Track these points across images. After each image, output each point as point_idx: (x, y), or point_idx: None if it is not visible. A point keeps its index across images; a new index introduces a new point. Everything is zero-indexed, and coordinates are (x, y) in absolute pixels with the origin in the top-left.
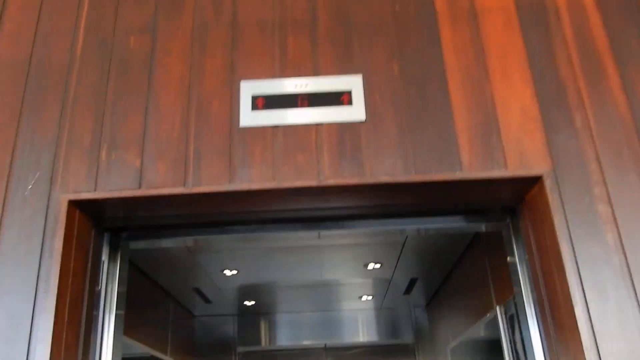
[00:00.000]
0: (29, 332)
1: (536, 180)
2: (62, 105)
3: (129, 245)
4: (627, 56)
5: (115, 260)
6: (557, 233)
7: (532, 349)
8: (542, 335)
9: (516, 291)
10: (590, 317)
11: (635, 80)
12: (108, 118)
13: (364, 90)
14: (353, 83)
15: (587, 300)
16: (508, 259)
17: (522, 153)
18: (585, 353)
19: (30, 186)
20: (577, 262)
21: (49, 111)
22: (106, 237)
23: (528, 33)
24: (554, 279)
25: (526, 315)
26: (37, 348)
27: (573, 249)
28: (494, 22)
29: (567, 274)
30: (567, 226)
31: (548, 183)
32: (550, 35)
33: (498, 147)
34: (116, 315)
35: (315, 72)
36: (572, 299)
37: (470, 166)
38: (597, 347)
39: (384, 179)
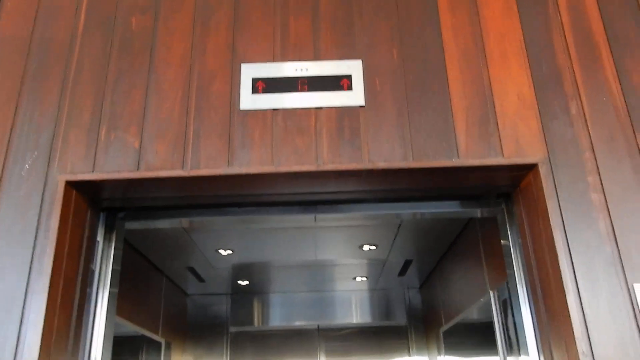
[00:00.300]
0: (20, 314)
1: (531, 168)
2: (62, 84)
3: (124, 225)
4: (622, 45)
5: (110, 240)
6: (551, 220)
7: (524, 334)
8: (535, 321)
9: (509, 276)
10: (582, 304)
11: (630, 69)
12: (108, 97)
13: (364, 75)
14: (353, 68)
15: (579, 288)
16: (502, 244)
17: (517, 140)
18: (577, 341)
19: (27, 165)
20: (569, 250)
21: (49, 90)
22: (102, 217)
23: (526, 19)
24: (546, 265)
25: (519, 301)
26: (28, 330)
27: (566, 236)
28: (493, 7)
29: (560, 261)
30: (561, 214)
31: (543, 170)
32: (548, 21)
33: (494, 134)
34: (110, 293)
35: (315, 56)
36: (565, 286)
37: (467, 153)
38: (588, 334)
39: (382, 164)
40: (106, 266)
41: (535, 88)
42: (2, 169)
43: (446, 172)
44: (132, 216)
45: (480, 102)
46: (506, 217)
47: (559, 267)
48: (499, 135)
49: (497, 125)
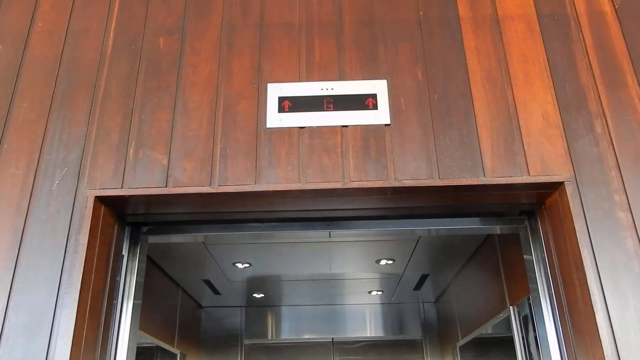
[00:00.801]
0: (50, 327)
1: (557, 186)
2: (91, 102)
3: (148, 239)
4: None
5: (134, 253)
6: (578, 239)
7: (549, 351)
8: (561, 338)
9: (532, 292)
10: (611, 323)
11: None
12: (136, 116)
13: (389, 94)
14: (378, 87)
15: (608, 307)
16: (525, 259)
17: (543, 159)
18: (606, 359)
19: (57, 181)
20: (597, 268)
21: (78, 108)
22: (127, 231)
23: (549, 40)
24: (574, 283)
25: (543, 318)
26: (58, 343)
27: (594, 254)
28: (516, 29)
29: (588, 280)
30: (588, 232)
31: (569, 189)
32: (571, 42)
33: (520, 153)
34: (134, 305)
35: (341, 76)
36: (594, 305)
37: (493, 171)
38: (617, 353)
39: (408, 182)
40: (130, 278)
41: (559, 107)
42: (33, 185)
43: (472, 190)
44: (155, 230)
45: (505, 121)
46: (529, 234)
47: (587, 285)
48: (525, 154)
49: (523, 144)
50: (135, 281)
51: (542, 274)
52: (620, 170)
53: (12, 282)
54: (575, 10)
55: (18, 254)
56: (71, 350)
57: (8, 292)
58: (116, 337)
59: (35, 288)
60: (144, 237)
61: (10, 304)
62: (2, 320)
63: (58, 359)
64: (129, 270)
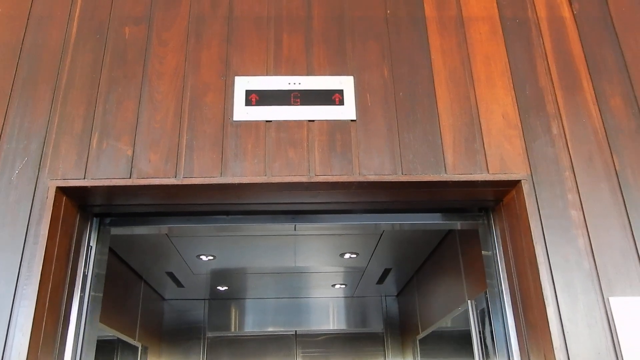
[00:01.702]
0: (8, 319)
1: (514, 184)
2: (53, 91)
3: (110, 230)
4: (601, 70)
5: (95, 245)
6: (533, 235)
7: (504, 344)
8: (511, 331)
9: (489, 287)
10: (560, 316)
11: (608, 94)
12: (101, 106)
13: (355, 90)
14: (345, 83)
15: (558, 301)
16: (483, 255)
17: (502, 157)
18: (555, 351)
19: (17, 171)
20: (550, 264)
21: (40, 97)
22: (94, 222)
23: (511, 43)
24: (528, 278)
25: (498, 312)
26: (16, 335)
27: (547, 251)
28: (480, 31)
29: (541, 275)
30: (542, 229)
31: (526, 188)
32: (531, 46)
33: (480, 151)
34: (94, 297)
35: (308, 71)
36: (545, 299)
37: (454, 168)
38: (566, 346)
39: (372, 177)
40: (91, 271)
41: (519, 108)
42: None
43: (434, 186)
44: (118, 222)
45: (467, 120)
46: (487, 230)
47: (539, 280)
48: (485, 153)
49: (483, 143)
50: (97, 273)
51: (499, 269)
52: (574, 171)
53: None
54: (537, 14)
55: None
56: (30, 343)
57: None
58: (76, 329)
59: None
60: (106, 228)
61: None
62: None
63: (16, 351)
64: (90, 262)
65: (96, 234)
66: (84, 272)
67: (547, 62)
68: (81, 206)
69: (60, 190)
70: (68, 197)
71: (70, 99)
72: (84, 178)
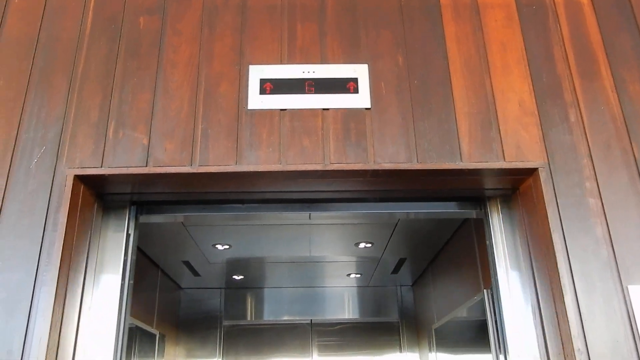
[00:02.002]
0: (29, 305)
1: (531, 172)
2: (69, 81)
3: (139, 219)
4: (619, 57)
5: (133, 232)
6: (550, 224)
7: (522, 333)
8: (531, 320)
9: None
10: (578, 305)
11: (627, 80)
12: (116, 96)
13: (370, 79)
14: (359, 71)
15: (576, 289)
16: (489, 245)
17: (518, 145)
18: (573, 340)
19: (35, 160)
20: (567, 252)
21: (57, 87)
22: (131, 211)
23: (527, 30)
24: (545, 267)
25: (516, 300)
26: (37, 320)
27: (564, 239)
28: (496, 18)
29: (558, 263)
30: (559, 217)
31: (543, 175)
32: (548, 32)
33: (496, 139)
34: (130, 285)
35: (322, 59)
36: (562, 287)
37: (470, 156)
38: (584, 335)
39: (387, 165)
40: (130, 258)
41: (536, 96)
42: (10, 164)
43: (449, 174)
44: (141, 211)
45: (482, 108)
46: (502, 219)
47: (557, 268)
48: (501, 141)
49: (499, 131)
50: (132, 259)
51: (507, 257)
52: (592, 159)
53: None
54: (554, 0)
55: None
56: (50, 328)
57: None
58: (93, 315)
59: (14, 266)
60: (132, 217)
61: None
62: None
63: (37, 336)
64: (129, 250)
65: (134, 222)
66: (124, 260)
67: (565, 48)
68: (99, 195)
69: (78, 178)
70: (85, 186)
71: (86, 90)
72: (101, 166)
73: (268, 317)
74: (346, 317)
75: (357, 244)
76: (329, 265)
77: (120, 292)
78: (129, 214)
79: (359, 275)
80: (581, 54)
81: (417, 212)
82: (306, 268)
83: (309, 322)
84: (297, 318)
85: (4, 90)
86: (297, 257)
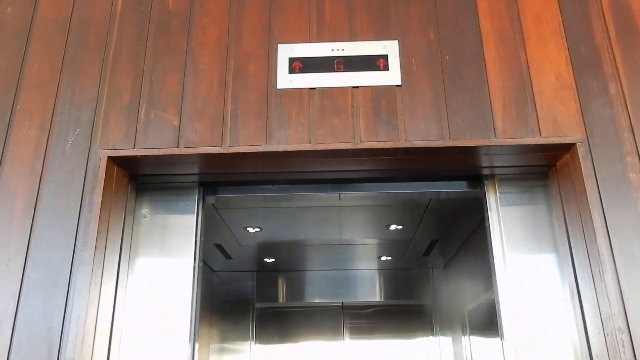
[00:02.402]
0: (67, 284)
1: (569, 148)
2: (101, 64)
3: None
4: None
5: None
6: (589, 201)
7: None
8: (568, 299)
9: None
10: (619, 282)
11: None
12: (147, 77)
13: (400, 55)
14: (389, 48)
15: (617, 267)
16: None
17: (555, 120)
18: (613, 318)
19: (70, 142)
20: (607, 230)
21: (89, 70)
22: (200, 192)
23: None
24: (584, 245)
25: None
26: (75, 299)
27: (604, 216)
28: None
29: (598, 241)
30: (599, 194)
31: (581, 151)
32: (586, 1)
33: (532, 114)
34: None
35: (351, 36)
36: (602, 265)
37: (504, 132)
38: (625, 313)
39: (419, 143)
40: (199, 239)
41: (573, 68)
42: (46, 146)
43: (483, 151)
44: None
45: (517, 82)
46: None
47: (596, 246)
48: (537, 116)
49: (535, 106)
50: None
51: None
52: (633, 132)
53: (29, 241)
54: None
55: (34, 213)
56: (88, 306)
57: (26, 250)
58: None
59: (52, 246)
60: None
61: (28, 261)
62: (21, 278)
63: (76, 315)
64: (198, 231)
65: (202, 203)
66: (195, 241)
67: (604, 18)
68: (132, 176)
69: (112, 159)
70: (119, 167)
71: (118, 71)
72: (134, 148)
73: (299, 299)
74: (377, 299)
75: (387, 226)
76: (360, 247)
77: (193, 274)
78: (199, 195)
79: (390, 258)
80: (621, 23)
81: (449, 191)
82: (337, 250)
83: (340, 304)
84: (329, 300)
85: (39, 74)
86: (328, 239)
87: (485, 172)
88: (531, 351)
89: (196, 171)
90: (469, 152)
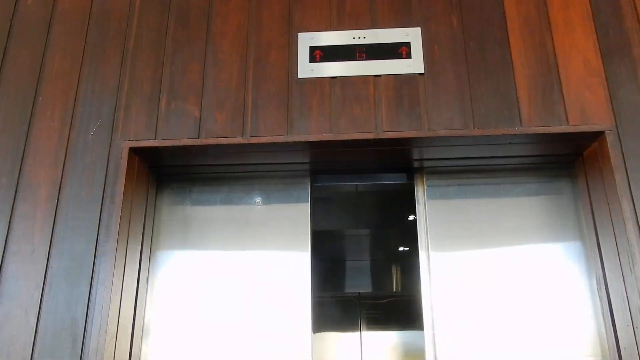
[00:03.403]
0: (90, 273)
1: (597, 136)
2: (122, 55)
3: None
4: None
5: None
6: (618, 190)
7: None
8: (595, 290)
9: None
10: None
11: None
12: (167, 68)
13: (423, 42)
14: (412, 35)
15: None
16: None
17: (583, 108)
18: None
19: (92, 133)
20: (637, 220)
21: (110, 61)
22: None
23: None
24: (612, 234)
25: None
26: (98, 288)
27: (634, 206)
28: None
29: (628, 231)
30: (629, 183)
31: (610, 139)
32: None
33: (559, 102)
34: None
35: (373, 24)
36: (632, 257)
37: (530, 121)
38: None
39: (443, 132)
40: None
41: (602, 55)
42: (69, 137)
43: (508, 140)
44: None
45: (543, 69)
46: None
47: (626, 237)
48: (564, 103)
49: (562, 93)
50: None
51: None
52: None
53: (52, 231)
54: None
55: (57, 204)
56: (111, 296)
57: (49, 240)
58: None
59: (75, 237)
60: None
61: (52, 251)
62: (45, 267)
63: (99, 304)
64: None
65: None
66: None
67: (634, 1)
68: (152, 167)
69: (133, 150)
70: (140, 158)
71: (138, 62)
72: (155, 139)
73: (317, 289)
74: (394, 290)
75: (406, 216)
76: (379, 237)
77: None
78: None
79: (407, 249)
80: None
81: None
82: (355, 240)
83: (357, 294)
84: (346, 291)
85: (60, 65)
86: (346, 229)
87: (512, 161)
88: (452, 342)
89: (217, 162)
90: (494, 142)
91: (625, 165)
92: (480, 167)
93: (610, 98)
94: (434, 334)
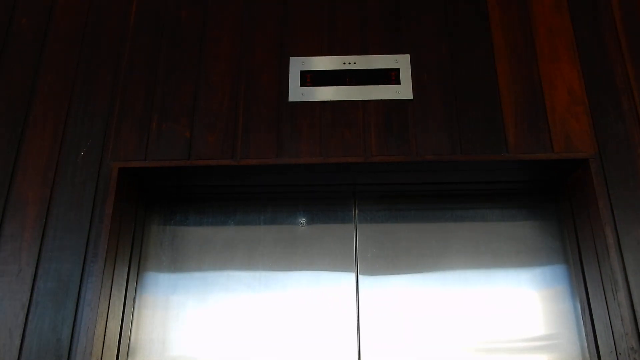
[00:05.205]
0: (77, 295)
1: (581, 163)
2: (114, 75)
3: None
4: None
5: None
6: (602, 217)
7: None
8: (579, 317)
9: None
10: (632, 302)
11: None
12: (159, 89)
13: (412, 69)
14: (401, 62)
15: (630, 286)
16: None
17: (568, 135)
18: (626, 337)
19: (82, 153)
20: (620, 247)
21: (102, 81)
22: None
23: (576, 14)
24: (596, 261)
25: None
26: (84, 310)
27: (617, 233)
28: (543, 3)
29: (611, 258)
30: (612, 211)
31: (594, 167)
32: (599, 16)
33: (544, 129)
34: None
35: (363, 50)
36: (615, 283)
37: (516, 147)
38: (638, 333)
39: (430, 157)
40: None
41: (585, 84)
42: (59, 156)
43: (494, 166)
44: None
45: (529, 97)
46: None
47: (609, 264)
48: (549, 131)
49: (547, 121)
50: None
51: (565, 252)
52: None
53: (39, 251)
54: None
55: (45, 223)
56: (97, 317)
57: (36, 260)
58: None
59: (62, 257)
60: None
61: (39, 272)
62: (32, 287)
63: (85, 325)
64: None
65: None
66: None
67: (617, 33)
68: (142, 188)
69: (123, 171)
70: (130, 178)
71: (131, 83)
72: (145, 159)
73: None
74: None
75: None
76: None
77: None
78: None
79: None
80: (634, 39)
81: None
82: None
83: None
84: None
85: (52, 85)
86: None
87: (497, 187)
88: None
89: (207, 183)
90: (480, 167)
91: (608, 192)
92: (464, 192)
93: (594, 126)
94: None
